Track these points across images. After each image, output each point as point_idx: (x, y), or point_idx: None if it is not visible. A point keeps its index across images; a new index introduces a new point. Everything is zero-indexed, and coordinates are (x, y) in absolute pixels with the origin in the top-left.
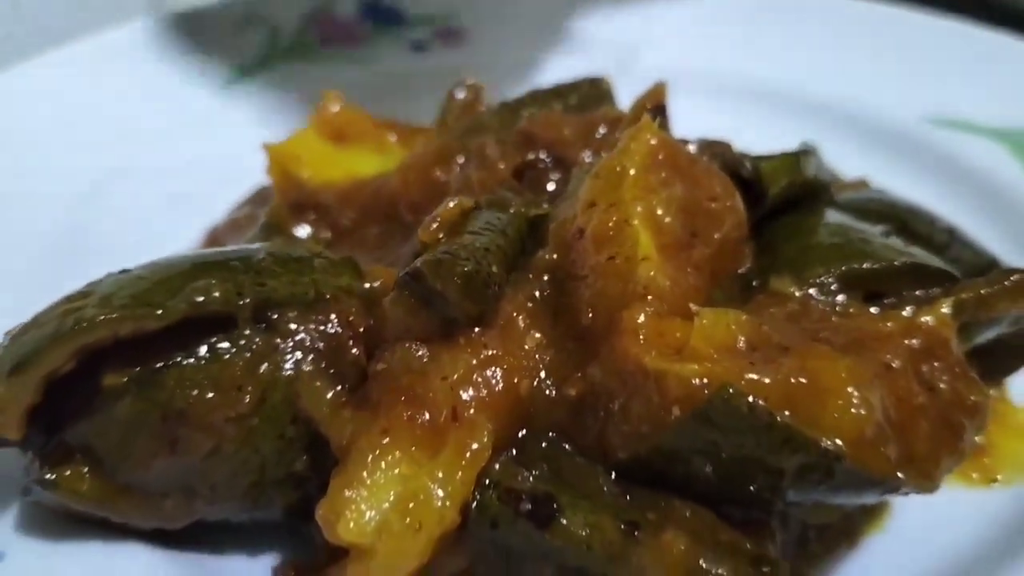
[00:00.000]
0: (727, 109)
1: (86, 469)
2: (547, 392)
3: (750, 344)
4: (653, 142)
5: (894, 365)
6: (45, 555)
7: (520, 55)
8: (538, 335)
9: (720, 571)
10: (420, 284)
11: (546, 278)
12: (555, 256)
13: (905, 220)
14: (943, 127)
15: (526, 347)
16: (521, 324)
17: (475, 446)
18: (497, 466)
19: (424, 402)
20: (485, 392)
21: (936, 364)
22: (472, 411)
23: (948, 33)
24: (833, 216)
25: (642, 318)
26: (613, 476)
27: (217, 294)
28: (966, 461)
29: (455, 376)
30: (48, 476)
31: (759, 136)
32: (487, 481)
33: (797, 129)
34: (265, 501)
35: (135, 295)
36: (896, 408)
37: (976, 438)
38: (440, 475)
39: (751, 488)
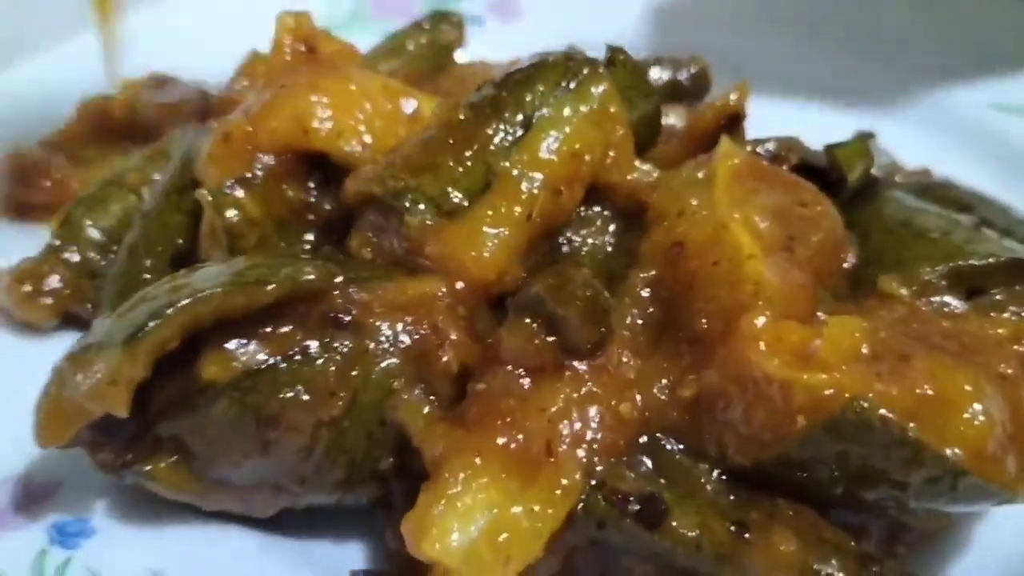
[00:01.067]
0: (779, 96)
1: (177, 462)
2: (660, 396)
3: (873, 353)
4: (736, 162)
5: (1008, 373)
6: (133, 534)
7: (576, 30)
8: (640, 362)
9: (831, 571)
10: (540, 309)
11: (645, 298)
12: (652, 273)
13: (984, 210)
14: (1007, 113)
15: (629, 377)
16: (624, 358)
17: (566, 483)
18: (600, 467)
19: (520, 430)
20: (581, 427)
21: None
22: (567, 447)
23: (1011, 14)
24: (919, 204)
25: (761, 322)
26: (715, 476)
27: (313, 275)
28: None
29: (554, 409)
30: (146, 467)
31: (815, 127)
32: (592, 482)
33: (852, 116)
34: (351, 495)
35: (241, 273)
36: (1011, 419)
37: None
38: (535, 509)
39: (871, 497)
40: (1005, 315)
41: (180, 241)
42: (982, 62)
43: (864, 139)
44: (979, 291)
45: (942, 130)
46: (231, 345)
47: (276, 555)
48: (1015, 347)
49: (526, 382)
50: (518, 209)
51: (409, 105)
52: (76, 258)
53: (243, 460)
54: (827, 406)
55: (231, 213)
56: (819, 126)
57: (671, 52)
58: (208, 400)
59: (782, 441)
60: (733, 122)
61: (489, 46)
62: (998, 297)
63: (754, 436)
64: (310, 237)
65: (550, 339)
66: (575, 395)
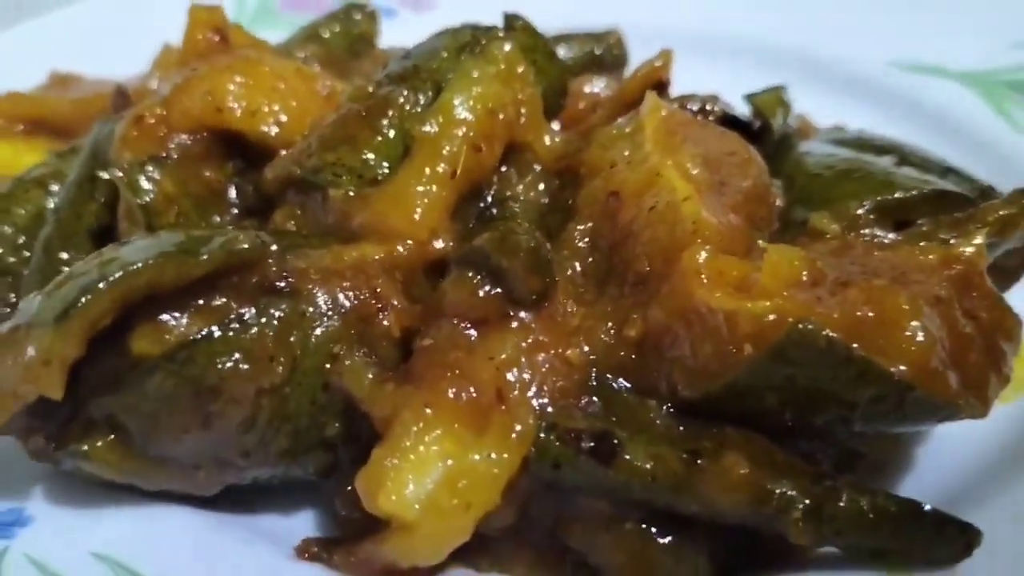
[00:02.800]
0: (690, 60)
1: (114, 441)
2: (606, 339)
3: (812, 279)
4: (663, 114)
5: (942, 295)
6: (73, 519)
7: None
8: (584, 309)
9: (785, 490)
10: (484, 262)
11: (584, 248)
12: (590, 224)
13: (902, 152)
14: (910, 72)
15: (574, 324)
16: (569, 307)
17: (519, 428)
18: (550, 408)
19: (470, 380)
20: (530, 374)
21: (974, 293)
22: (517, 393)
23: None
24: (840, 150)
25: (702, 257)
26: (665, 411)
27: (247, 244)
28: None
29: (502, 357)
30: (81, 447)
31: (725, 86)
32: (543, 424)
33: (761, 77)
34: (297, 465)
35: (174, 245)
36: (948, 337)
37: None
38: (491, 455)
39: (819, 421)
40: (933, 243)
41: (96, 228)
42: (881, 21)
43: (779, 88)
44: (906, 223)
45: (845, 90)
46: (163, 318)
47: (225, 531)
48: (946, 271)
49: (472, 333)
50: (441, 167)
51: (324, 87)
52: None
53: (183, 435)
54: (772, 331)
55: (147, 188)
56: (728, 89)
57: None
58: (142, 375)
59: (730, 371)
60: (658, 89)
61: (403, 37)
62: (924, 228)
63: (702, 368)
64: (228, 218)
65: (494, 291)
66: (522, 344)
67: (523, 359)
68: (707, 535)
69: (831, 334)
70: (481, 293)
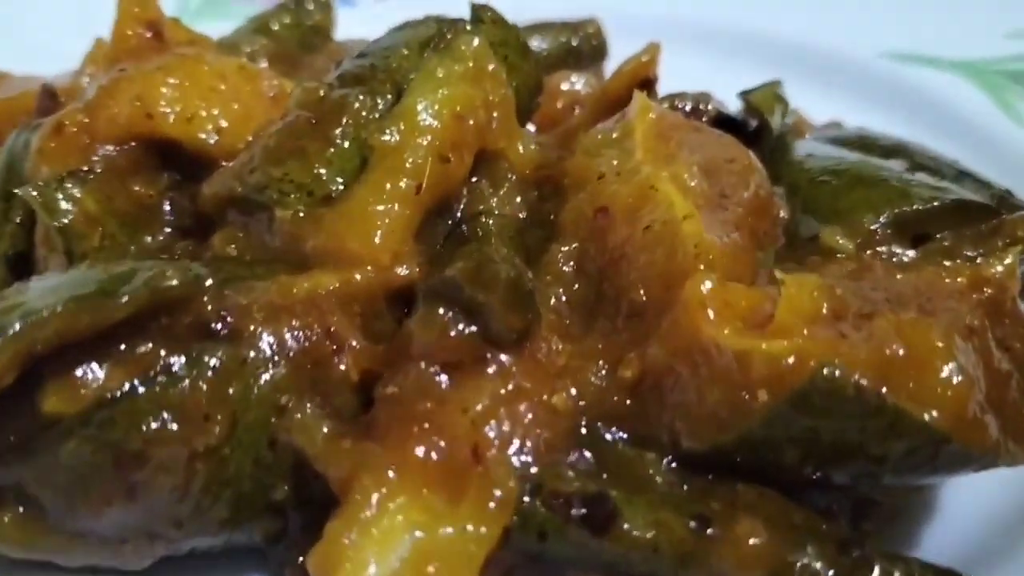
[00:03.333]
0: (681, 53)
1: (24, 515)
2: (597, 381)
3: (834, 313)
4: (652, 116)
5: (975, 325)
6: None
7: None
8: (571, 346)
9: (808, 562)
10: (456, 296)
11: (569, 273)
12: (575, 245)
13: (911, 154)
14: (904, 63)
15: (560, 365)
16: (553, 344)
17: (499, 493)
18: (535, 467)
19: (441, 437)
20: (510, 426)
21: (1006, 320)
22: (495, 451)
23: None
24: (844, 152)
25: (707, 287)
26: (665, 466)
27: (175, 280)
28: None
29: (478, 408)
30: None
31: (710, 80)
32: (527, 486)
33: (748, 71)
34: (240, 533)
35: (85, 283)
36: (984, 376)
37: None
38: (467, 528)
39: (844, 476)
40: (958, 261)
41: (12, 254)
42: (874, 10)
43: (774, 85)
44: (925, 237)
45: (838, 83)
46: (77, 372)
47: None
48: (976, 295)
49: (443, 380)
50: (404, 182)
51: (271, 87)
52: None
53: (105, 508)
54: (792, 376)
55: (65, 209)
56: (715, 84)
57: None
58: (54, 440)
59: (742, 420)
60: (645, 87)
61: (364, 28)
62: (945, 243)
63: (710, 416)
64: (162, 237)
65: (468, 329)
66: (501, 391)
67: (502, 409)
68: None
69: (860, 380)
70: (453, 333)
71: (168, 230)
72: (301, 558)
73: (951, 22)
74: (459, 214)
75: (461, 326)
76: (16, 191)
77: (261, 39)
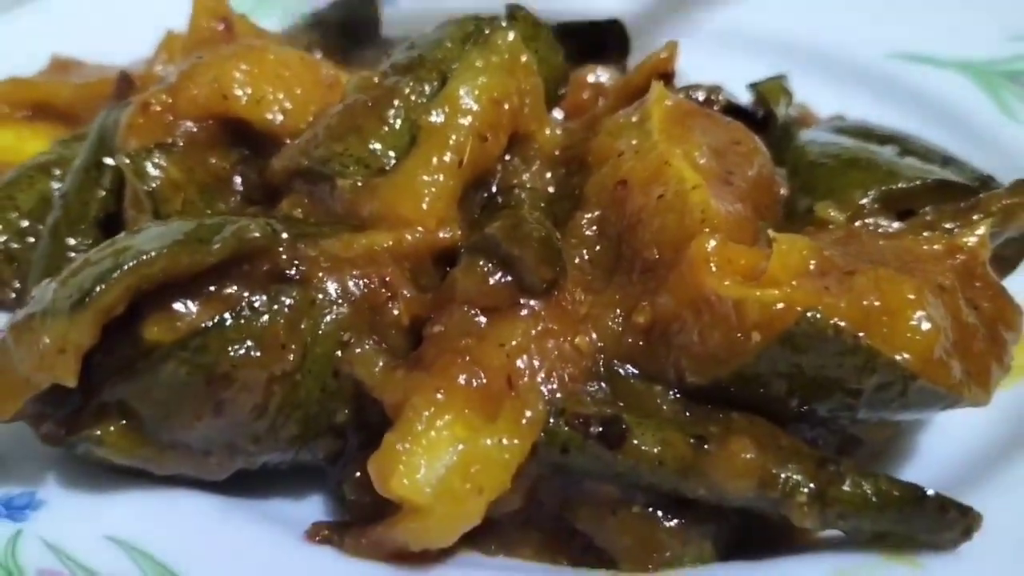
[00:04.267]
0: (697, 50)
1: (125, 427)
2: (615, 326)
3: (820, 269)
4: (669, 103)
5: (946, 284)
6: (85, 503)
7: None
8: (593, 297)
9: (790, 475)
10: (495, 250)
11: (592, 236)
12: (597, 213)
13: (903, 142)
14: (909, 62)
15: (583, 312)
16: (578, 295)
17: (529, 414)
18: (559, 394)
19: (480, 367)
20: (540, 360)
21: (977, 283)
22: (527, 379)
23: None
24: (843, 139)
25: (711, 245)
26: (671, 397)
27: (258, 232)
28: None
29: (512, 344)
30: (94, 432)
31: (726, 75)
32: (553, 409)
33: (761, 67)
34: (306, 451)
35: (186, 233)
36: (952, 326)
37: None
38: (502, 441)
39: (825, 407)
40: (937, 232)
41: (103, 215)
42: (881, 11)
43: (780, 78)
44: (909, 212)
45: (845, 80)
46: (175, 306)
47: (235, 513)
48: (950, 260)
49: (482, 320)
50: (448, 157)
51: (327, 76)
52: None
53: (195, 422)
54: (781, 320)
55: (154, 175)
56: (729, 79)
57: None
58: (155, 363)
59: (738, 358)
60: (664, 80)
61: (404, 23)
62: (927, 217)
63: (710, 355)
64: (234, 205)
65: (504, 279)
66: (532, 331)
67: (533, 346)
68: (712, 518)
69: (839, 323)
70: (492, 281)
71: (238, 199)
72: (358, 473)
73: (956, 25)
74: (494, 187)
75: (498, 276)
76: (107, 160)
77: (315, 34)
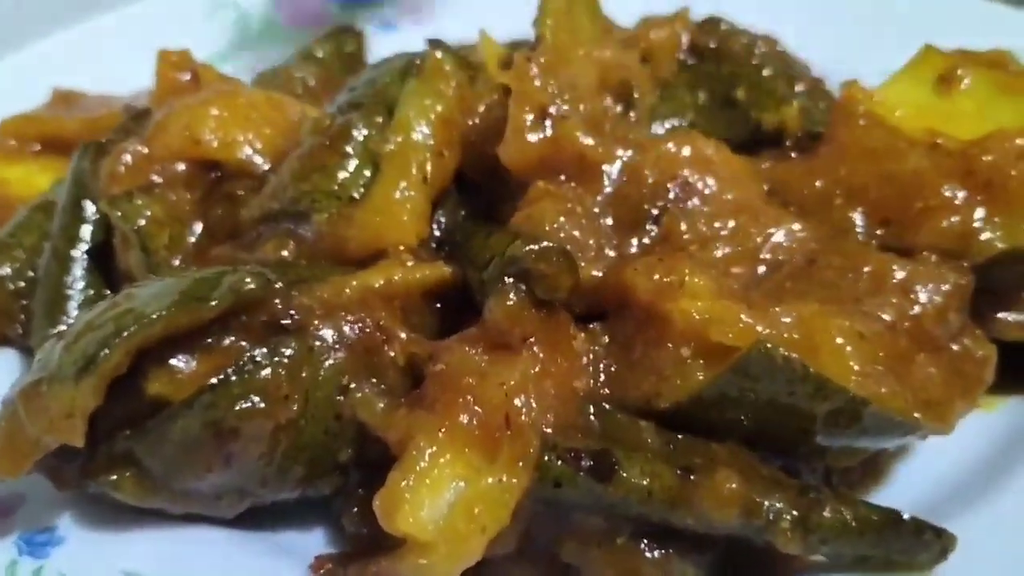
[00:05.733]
0: None
1: (137, 474)
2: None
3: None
4: None
5: (886, 320)
6: (103, 539)
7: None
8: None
9: (773, 503)
10: (520, 268)
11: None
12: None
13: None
14: None
15: (579, 355)
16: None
17: (526, 452)
18: (550, 429)
19: (480, 404)
20: (536, 398)
21: (951, 318)
22: (523, 418)
23: None
24: None
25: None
26: (656, 431)
27: (254, 284)
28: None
29: (512, 382)
30: (109, 478)
31: None
32: (546, 445)
33: None
34: (312, 488)
35: (183, 291)
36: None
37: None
38: (502, 479)
39: (784, 434)
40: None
41: (91, 248)
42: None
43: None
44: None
45: None
46: (175, 361)
47: (245, 545)
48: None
49: (483, 360)
50: (413, 174)
51: (295, 113)
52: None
53: (206, 473)
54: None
55: (137, 216)
56: None
57: None
58: (164, 421)
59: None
60: None
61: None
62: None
63: (659, 375)
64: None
65: (537, 308)
66: (531, 370)
67: (530, 385)
68: (697, 548)
69: (787, 353)
70: (523, 308)
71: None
72: (356, 507)
73: None
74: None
75: (528, 296)
76: (86, 203)
77: (311, 66)
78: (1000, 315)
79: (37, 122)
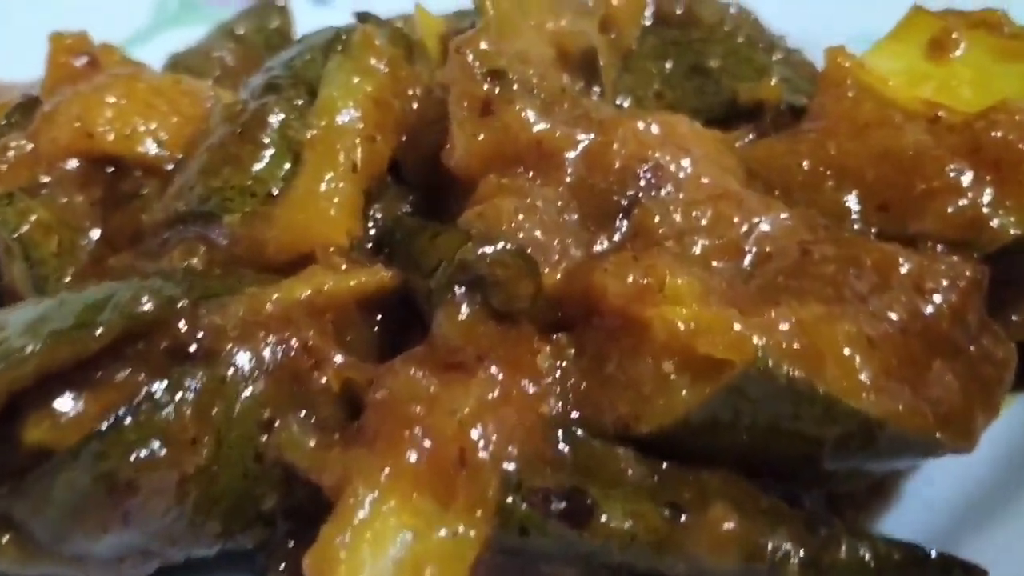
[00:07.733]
0: None
1: (18, 538)
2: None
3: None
4: None
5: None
6: None
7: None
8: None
9: (779, 543)
10: (471, 274)
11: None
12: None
13: None
14: None
15: (544, 373)
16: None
17: (484, 495)
18: (513, 464)
19: (429, 438)
20: (494, 430)
21: (968, 318)
22: (482, 452)
23: None
24: None
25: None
26: (635, 458)
27: (149, 305)
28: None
29: (466, 410)
30: None
31: None
32: (508, 484)
33: None
34: (233, 542)
35: (63, 317)
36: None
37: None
38: (458, 531)
39: (786, 460)
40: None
41: None
42: None
43: None
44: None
45: None
46: (57, 402)
47: None
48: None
49: (432, 384)
50: (341, 162)
51: (208, 99)
52: None
53: (101, 535)
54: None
55: (19, 221)
56: None
57: None
58: (45, 475)
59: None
60: None
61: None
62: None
63: (637, 394)
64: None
65: (489, 315)
66: (488, 395)
67: (488, 413)
68: None
69: (791, 370)
70: (479, 322)
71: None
72: (283, 565)
73: None
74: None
75: (482, 308)
76: None
77: (229, 43)
78: (1015, 317)
79: None
